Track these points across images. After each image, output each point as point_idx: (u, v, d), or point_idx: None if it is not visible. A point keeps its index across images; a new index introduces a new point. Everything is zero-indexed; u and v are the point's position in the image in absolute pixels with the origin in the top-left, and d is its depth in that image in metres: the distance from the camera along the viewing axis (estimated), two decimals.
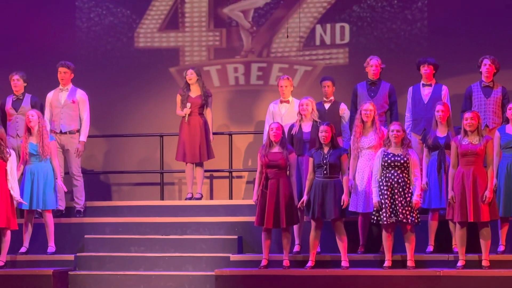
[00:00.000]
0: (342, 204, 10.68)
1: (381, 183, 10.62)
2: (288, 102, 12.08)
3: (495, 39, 13.09)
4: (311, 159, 10.90)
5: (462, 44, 13.20)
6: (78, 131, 12.41)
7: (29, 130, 11.63)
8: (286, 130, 11.28)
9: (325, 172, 10.78)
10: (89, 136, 12.58)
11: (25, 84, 12.54)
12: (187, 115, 12.56)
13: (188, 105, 12.56)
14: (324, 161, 10.77)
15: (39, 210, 11.70)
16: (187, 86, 12.69)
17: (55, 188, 11.66)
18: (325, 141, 10.81)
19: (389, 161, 10.62)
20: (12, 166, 11.32)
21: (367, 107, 11.11)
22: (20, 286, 11.15)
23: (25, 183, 11.55)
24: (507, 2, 13.24)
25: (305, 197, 10.84)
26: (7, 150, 11.32)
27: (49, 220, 11.70)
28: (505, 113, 11.09)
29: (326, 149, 10.83)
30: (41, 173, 11.57)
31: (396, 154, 10.64)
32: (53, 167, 11.64)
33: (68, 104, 12.41)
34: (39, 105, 12.39)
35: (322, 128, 10.88)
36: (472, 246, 10.62)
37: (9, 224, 11.29)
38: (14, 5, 14.26)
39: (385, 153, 10.68)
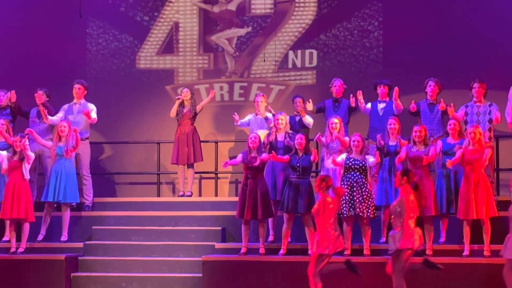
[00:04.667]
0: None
1: (342, 183, 10.65)
2: (262, 115, 12.01)
3: (438, 64, 13.10)
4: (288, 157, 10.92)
5: (412, 68, 13.19)
6: (87, 138, 12.36)
7: (59, 136, 11.61)
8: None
9: (298, 173, 10.79)
10: (97, 143, 12.57)
11: (48, 99, 12.48)
12: (181, 100, 12.56)
13: (180, 92, 12.63)
14: (298, 164, 10.80)
15: (57, 203, 11.61)
16: (182, 101, 12.65)
17: (75, 185, 11.62)
18: (300, 147, 10.85)
19: (350, 164, 10.67)
20: (25, 162, 11.26)
21: (333, 121, 11.17)
22: (37, 269, 11.08)
23: (51, 179, 11.51)
24: (448, 32, 13.26)
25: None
26: (27, 153, 11.30)
27: (66, 214, 11.64)
28: (445, 127, 11.10)
29: (300, 154, 10.86)
30: (63, 172, 11.51)
31: (356, 159, 10.70)
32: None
33: (80, 115, 12.35)
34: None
35: (298, 136, 10.94)
36: None
37: (27, 216, 11.26)
38: (37, 33, 14.14)
39: (348, 158, 10.73)
